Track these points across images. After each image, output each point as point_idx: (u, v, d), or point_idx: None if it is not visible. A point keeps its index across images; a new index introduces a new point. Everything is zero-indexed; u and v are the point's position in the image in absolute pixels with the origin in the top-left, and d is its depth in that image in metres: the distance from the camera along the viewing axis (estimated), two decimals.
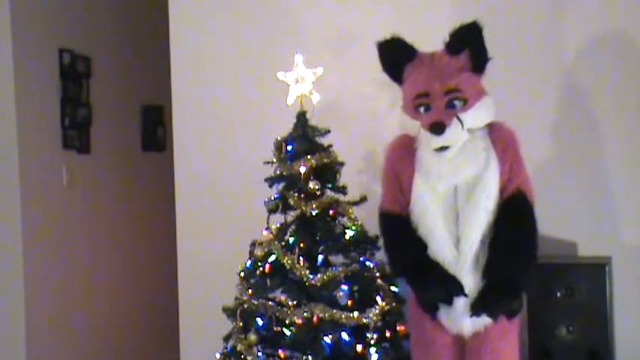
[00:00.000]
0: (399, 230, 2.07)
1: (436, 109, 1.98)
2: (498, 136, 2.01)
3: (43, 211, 3.79)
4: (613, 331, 2.45)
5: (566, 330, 2.45)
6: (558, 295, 2.46)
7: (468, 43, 1.99)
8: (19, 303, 3.62)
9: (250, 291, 2.30)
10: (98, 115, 4.26)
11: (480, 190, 1.96)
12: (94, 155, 4.23)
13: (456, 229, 1.99)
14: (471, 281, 1.98)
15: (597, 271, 2.46)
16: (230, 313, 2.37)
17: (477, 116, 1.99)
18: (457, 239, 1.99)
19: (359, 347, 2.19)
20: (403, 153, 2.09)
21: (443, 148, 1.96)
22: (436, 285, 1.99)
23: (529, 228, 2.00)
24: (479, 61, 2.01)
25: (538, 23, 2.62)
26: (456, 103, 1.97)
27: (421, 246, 2.02)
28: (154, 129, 4.89)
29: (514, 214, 1.98)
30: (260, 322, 2.27)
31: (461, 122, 1.96)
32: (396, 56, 2.09)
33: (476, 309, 1.97)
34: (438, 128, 1.94)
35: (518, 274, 1.98)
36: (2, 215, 3.64)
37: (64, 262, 3.96)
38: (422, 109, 2.01)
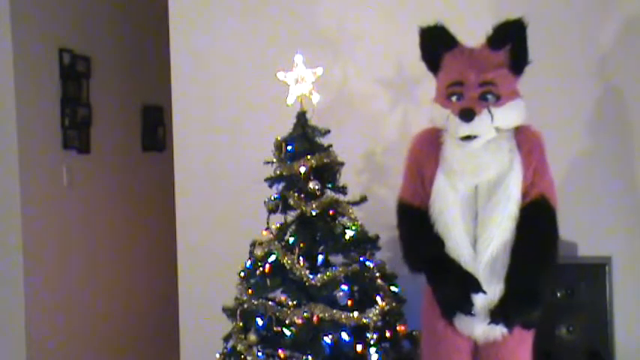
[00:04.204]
0: (417, 223, 2.03)
1: (469, 98, 1.94)
2: (524, 139, 1.98)
3: (43, 211, 3.79)
4: (613, 331, 2.45)
5: (566, 330, 2.45)
6: (558, 295, 2.46)
7: (511, 39, 1.97)
8: (19, 303, 3.61)
9: (250, 291, 2.30)
10: (98, 115, 4.26)
11: (502, 192, 1.93)
12: (94, 155, 4.23)
13: (474, 229, 1.96)
14: (487, 286, 1.93)
15: (597, 271, 2.46)
16: (230, 313, 2.37)
17: (507, 115, 1.95)
18: (474, 239, 1.96)
19: (359, 347, 2.18)
20: (428, 147, 2.05)
21: (469, 138, 1.93)
22: (453, 283, 1.95)
23: (550, 235, 1.97)
24: (519, 59, 1.99)
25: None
26: (489, 97, 1.94)
27: (438, 243, 1.98)
28: (154, 129, 4.89)
29: (535, 221, 1.94)
30: (260, 322, 2.27)
31: (491, 115, 1.93)
32: (436, 44, 2.06)
33: (495, 317, 1.93)
34: (467, 114, 1.91)
35: (538, 284, 1.94)
36: (2, 215, 3.64)
37: (63, 262, 3.96)
38: (454, 98, 1.97)
